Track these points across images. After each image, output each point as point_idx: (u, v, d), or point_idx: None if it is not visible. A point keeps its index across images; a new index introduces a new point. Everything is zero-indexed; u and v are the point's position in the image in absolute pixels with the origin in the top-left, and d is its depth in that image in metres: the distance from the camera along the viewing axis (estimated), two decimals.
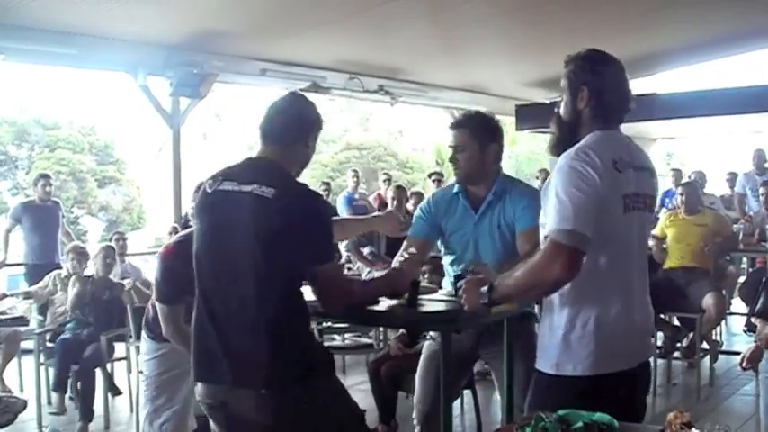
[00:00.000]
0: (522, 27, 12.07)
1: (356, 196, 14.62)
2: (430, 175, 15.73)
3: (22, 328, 8.83)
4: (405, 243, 5.37)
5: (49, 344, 8.29)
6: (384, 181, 15.31)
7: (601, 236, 3.46)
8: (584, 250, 3.42)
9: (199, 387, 3.88)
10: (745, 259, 11.03)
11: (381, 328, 9.01)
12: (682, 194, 9.67)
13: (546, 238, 3.50)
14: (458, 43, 12.29)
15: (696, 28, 12.69)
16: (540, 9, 11.03)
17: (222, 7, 9.51)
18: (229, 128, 38.60)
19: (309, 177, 35.46)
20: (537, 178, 15.84)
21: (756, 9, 11.57)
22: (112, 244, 9.34)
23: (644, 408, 3.88)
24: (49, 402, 8.09)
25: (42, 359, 8.22)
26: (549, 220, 3.50)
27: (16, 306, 9.44)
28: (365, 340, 9.28)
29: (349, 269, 9.96)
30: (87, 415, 7.69)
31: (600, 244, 3.48)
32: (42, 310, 8.78)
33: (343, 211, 13.97)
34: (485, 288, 3.78)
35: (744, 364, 5.47)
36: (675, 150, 35.12)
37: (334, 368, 3.91)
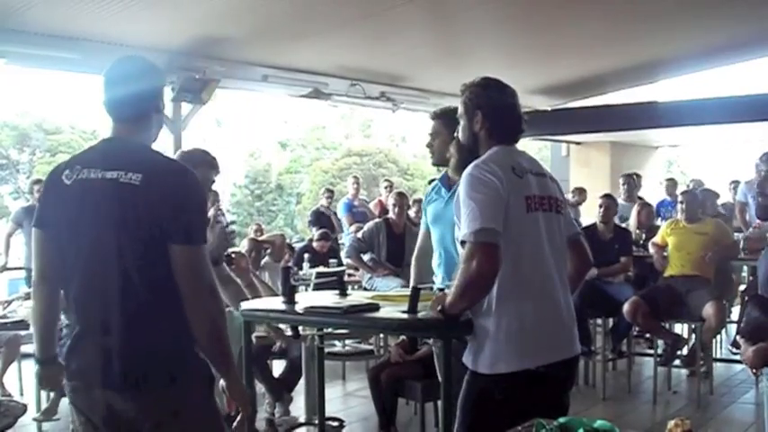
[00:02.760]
0: (524, 34, 12.05)
1: (356, 203, 14.62)
2: (430, 182, 15.51)
3: (23, 332, 8.82)
4: (420, 238, 5.80)
5: None
6: (386, 188, 15.29)
7: (507, 236, 3.71)
8: (496, 242, 3.66)
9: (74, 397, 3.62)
10: (746, 267, 10.80)
11: (382, 335, 9.02)
12: (682, 203, 9.57)
13: (462, 244, 3.74)
14: (459, 50, 12.27)
15: (698, 36, 12.65)
16: (541, 17, 11.04)
17: (224, 13, 9.50)
18: (229, 134, 38.68)
19: (310, 183, 35.61)
20: None
21: (758, 17, 11.56)
22: None
23: (567, 406, 4.02)
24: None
25: None
26: (462, 227, 3.74)
27: (17, 310, 9.43)
28: (365, 346, 9.26)
29: (350, 275, 9.96)
30: None
31: (508, 245, 3.71)
32: None
33: (343, 218, 14.11)
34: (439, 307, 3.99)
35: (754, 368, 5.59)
36: (677, 158, 35.09)
37: (213, 384, 3.64)
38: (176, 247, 3.36)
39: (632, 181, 12.83)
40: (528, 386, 3.77)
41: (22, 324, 8.80)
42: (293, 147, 41.05)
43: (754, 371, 5.37)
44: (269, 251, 9.73)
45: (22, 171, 31.03)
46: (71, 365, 3.54)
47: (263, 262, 9.35)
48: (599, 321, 9.67)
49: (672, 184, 14.68)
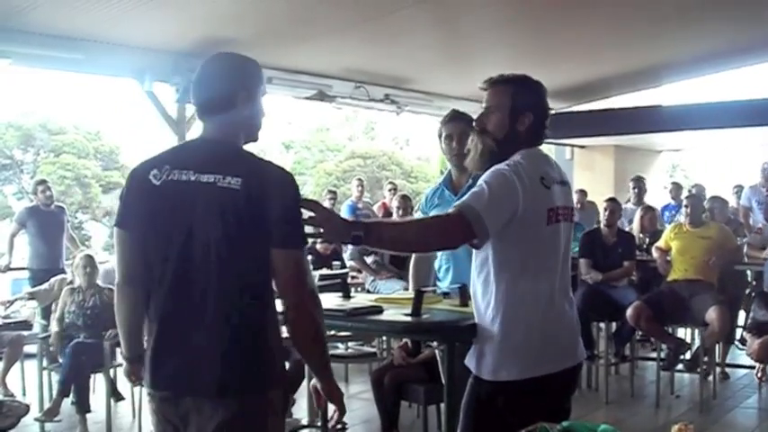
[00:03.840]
0: (529, 37, 12.08)
1: (360, 205, 14.61)
2: None
3: (26, 333, 8.83)
4: None
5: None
6: (389, 190, 15.29)
7: (525, 247, 3.72)
8: (477, 233, 3.61)
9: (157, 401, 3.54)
10: (749, 272, 10.63)
11: (384, 338, 8.97)
12: (687, 207, 9.55)
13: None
14: (464, 53, 12.30)
15: (702, 40, 12.65)
16: (546, 20, 11.06)
17: (229, 14, 9.50)
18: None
19: (314, 185, 35.60)
20: None
21: (762, 21, 11.57)
22: (90, 252, 9.28)
23: (569, 411, 4.00)
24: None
25: (45, 363, 8.21)
26: (465, 197, 3.70)
27: (20, 310, 9.43)
28: (368, 349, 9.25)
29: (354, 277, 9.95)
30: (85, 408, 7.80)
31: (525, 255, 3.72)
32: (46, 314, 8.80)
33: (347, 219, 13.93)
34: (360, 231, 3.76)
35: (759, 375, 5.59)
36: (680, 162, 35.03)
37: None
38: (280, 251, 3.34)
39: (642, 185, 12.80)
40: (531, 393, 3.74)
41: (24, 324, 8.83)
42: (297, 148, 41.00)
43: (759, 375, 5.35)
44: None
45: (26, 171, 30.96)
46: (157, 375, 3.49)
47: None
48: (602, 325, 9.68)
49: (676, 188, 14.64)
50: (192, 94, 3.55)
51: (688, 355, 9.21)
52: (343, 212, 14.16)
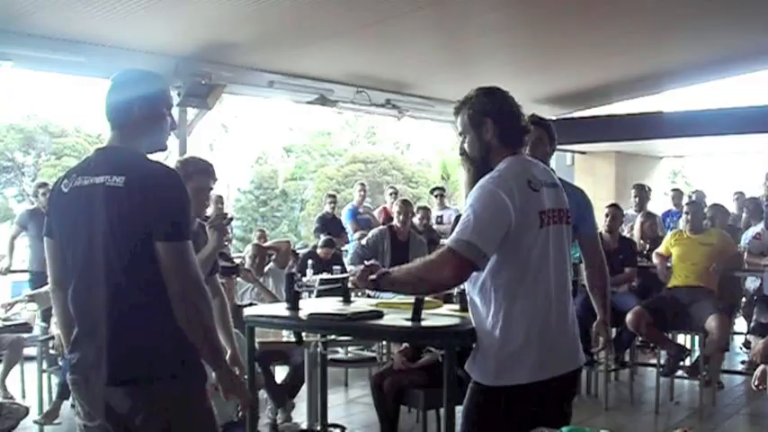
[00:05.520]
0: (530, 43, 12.09)
1: (361, 209, 14.56)
2: (432, 191, 15.77)
3: (26, 335, 8.83)
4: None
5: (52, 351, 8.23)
6: (390, 194, 15.16)
7: (521, 253, 3.72)
8: (477, 263, 3.64)
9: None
10: (749, 279, 10.58)
11: (384, 342, 8.93)
12: (687, 213, 9.46)
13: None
14: (465, 58, 12.30)
15: (704, 47, 12.65)
16: (548, 26, 11.07)
17: (232, 19, 9.52)
18: (236, 139, 38.66)
19: (315, 190, 35.61)
20: None
21: (762, 29, 11.66)
22: None
23: (570, 415, 4.03)
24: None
25: (45, 366, 8.22)
26: (454, 231, 3.72)
27: (20, 313, 9.44)
28: (368, 353, 9.26)
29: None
30: None
31: (520, 260, 3.73)
32: (46, 317, 8.81)
33: (347, 224, 14.03)
34: (373, 276, 4.00)
35: (757, 383, 5.41)
36: (682, 169, 34.97)
37: (205, 382, 3.72)
38: (162, 244, 3.44)
39: (644, 192, 12.69)
40: (532, 398, 3.75)
41: (25, 327, 8.82)
42: (298, 153, 41.00)
43: (757, 384, 5.28)
44: (273, 257, 9.74)
45: (27, 174, 31.08)
46: (72, 361, 3.66)
47: (266, 268, 9.34)
48: None
49: (678, 194, 14.56)
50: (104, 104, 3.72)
51: (687, 362, 9.13)
52: (344, 217, 14.29)
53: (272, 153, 41.10)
